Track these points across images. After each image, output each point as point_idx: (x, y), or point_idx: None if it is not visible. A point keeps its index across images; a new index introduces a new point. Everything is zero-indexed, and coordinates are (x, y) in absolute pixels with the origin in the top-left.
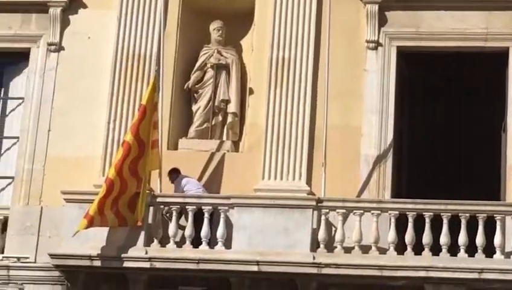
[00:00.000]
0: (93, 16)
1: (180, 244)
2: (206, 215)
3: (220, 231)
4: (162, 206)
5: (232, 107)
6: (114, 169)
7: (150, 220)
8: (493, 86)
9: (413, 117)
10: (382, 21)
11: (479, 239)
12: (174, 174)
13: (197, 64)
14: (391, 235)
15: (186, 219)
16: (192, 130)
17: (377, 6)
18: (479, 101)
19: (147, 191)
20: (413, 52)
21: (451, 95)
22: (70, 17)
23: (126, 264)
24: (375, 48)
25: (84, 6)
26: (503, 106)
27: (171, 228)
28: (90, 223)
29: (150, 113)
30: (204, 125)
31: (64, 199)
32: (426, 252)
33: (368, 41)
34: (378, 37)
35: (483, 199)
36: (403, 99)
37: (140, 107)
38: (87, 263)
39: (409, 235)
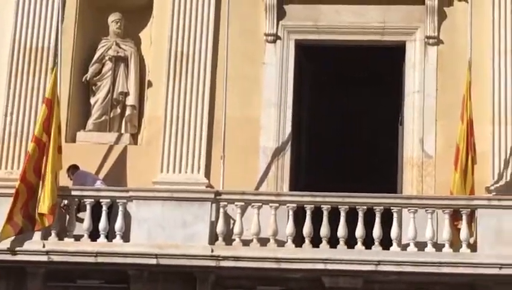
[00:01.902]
0: None
1: (78, 237)
2: (104, 208)
3: (118, 224)
4: (60, 200)
5: (130, 100)
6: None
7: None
8: (391, 80)
9: (312, 110)
10: (281, 14)
11: (376, 231)
12: (73, 169)
13: (96, 56)
14: (289, 227)
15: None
16: (90, 123)
17: (275, 0)
18: (378, 94)
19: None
20: (311, 45)
21: (351, 88)
22: None
23: (23, 257)
24: (274, 41)
25: None
26: (400, 99)
27: (69, 221)
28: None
29: (56, 108)
30: (103, 118)
31: None
32: (324, 244)
33: (266, 35)
34: (277, 31)
35: (384, 191)
36: (302, 92)
37: (46, 101)
38: None
39: (307, 228)
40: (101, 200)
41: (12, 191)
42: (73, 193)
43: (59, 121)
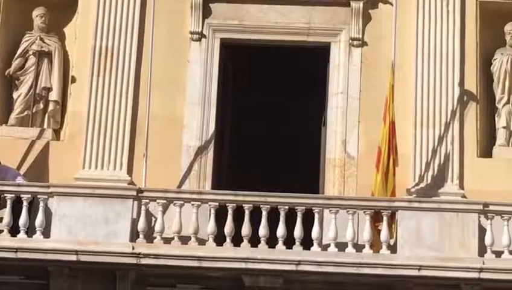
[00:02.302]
0: None
1: None
2: (25, 203)
3: (39, 219)
4: None
5: (53, 95)
6: None
7: None
8: (315, 81)
9: (236, 109)
10: (206, 13)
11: (297, 231)
12: None
13: (19, 51)
14: (210, 226)
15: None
16: (12, 118)
17: None
18: (302, 94)
19: None
20: (237, 44)
21: (275, 88)
22: None
23: None
24: (199, 40)
25: None
26: (324, 100)
27: None
28: None
29: None
30: (25, 112)
31: None
32: (245, 243)
33: (191, 33)
34: (202, 29)
35: (307, 191)
36: (226, 90)
37: None
38: None
39: (228, 227)
40: (21, 195)
41: None
42: None
43: None
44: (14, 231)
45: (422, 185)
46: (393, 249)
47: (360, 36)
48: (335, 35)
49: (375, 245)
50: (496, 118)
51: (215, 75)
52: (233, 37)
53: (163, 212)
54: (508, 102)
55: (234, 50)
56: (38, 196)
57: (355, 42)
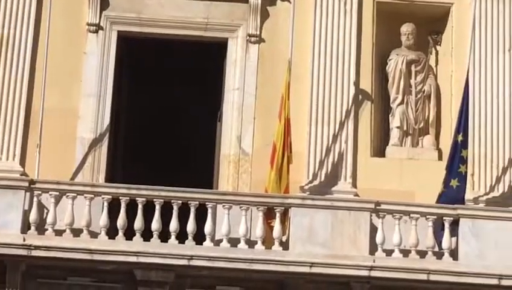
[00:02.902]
0: None
1: None
2: None
3: None
4: None
5: None
6: None
7: None
8: (212, 76)
9: (132, 102)
10: (104, 5)
11: (190, 226)
12: None
13: None
14: (103, 219)
15: None
16: None
17: None
18: (199, 89)
19: None
20: (134, 37)
21: (173, 81)
22: None
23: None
24: (96, 32)
25: None
26: (221, 95)
27: None
28: None
29: None
30: None
31: None
32: (137, 237)
33: (88, 24)
34: (100, 21)
35: (200, 186)
36: (122, 83)
37: None
38: None
39: (121, 220)
40: None
41: None
42: None
43: None
44: None
45: (315, 182)
46: (285, 245)
47: (258, 33)
48: (232, 31)
49: (267, 241)
50: (390, 118)
51: (111, 67)
52: (130, 30)
53: (56, 204)
54: (402, 102)
55: (131, 43)
56: None
57: (252, 39)
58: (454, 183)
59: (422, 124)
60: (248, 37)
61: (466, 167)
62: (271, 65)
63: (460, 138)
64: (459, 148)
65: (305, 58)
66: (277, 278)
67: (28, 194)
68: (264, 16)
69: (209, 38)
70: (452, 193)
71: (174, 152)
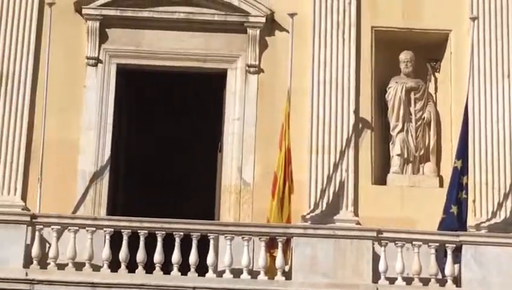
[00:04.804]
0: None
1: None
2: None
3: None
4: None
5: None
6: None
7: None
8: (212, 107)
9: (132, 134)
10: (103, 38)
11: (192, 258)
12: None
13: None
14: (105, 252)
15: None
16: None
17: (98, 23)
18: (200, 120)
19: None
20: (133, 70)
21: (173, 113)
22: None
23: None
24: (95, 65)
25: None
26: (221, 126)
27: None
28: None
29: None
30: None
31: None
32: (140, 269)
33: (88, 58)
34: (99, 54)
35: (202, 217)
36: (122, 116)
37: None
38: None
39: (123, 253)
40: None
41: None
42: None
43: None
44: None
45: (317, 211)
46: (288, 275)
47: (257, 63)
48: (231, 62)
49: (270, 272)
50: (391, 146)
51: (111, 100)
52: (129, 62)
53: (58, 238)
54: (402, 130)
55: (131, 75)
56: None
57: (251, 69)
58: (454, 209)
59: (422, 152)
60: (247, 68)
61: (466, 193)
62: (271, 95)
63: (459, 164)
64: (458, 174)
65: (304, 88)
66: None
67: (29, 228)
68: (263, 46)
69: (208, 70)
70: (452, 219)
71: (177, 183)
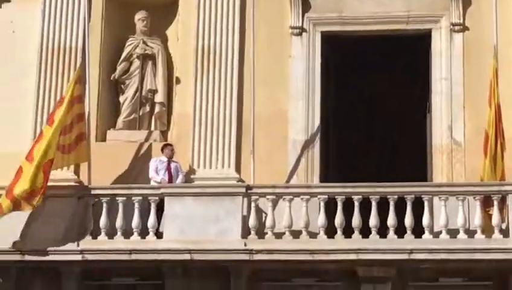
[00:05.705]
0: (17, 9)
1: (111, 235)
2: (137, 205)
3: (151, 220)
4: (93, 198)
5: (159, 97)
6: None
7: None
8: (417, 68)
9: (339, 101)
10: (306, 7)
11: (408, 220)
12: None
13: (123, 55)
14: (321, 219)
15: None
16: (120, 121)
17: None
18: (404, 83)
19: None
20: (337, 36)
21: (377, 78)
22: None
23: (58, 257)
24: (300, 34)
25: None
26: (428, 87)
27: (102, 219)
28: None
29: (70, 105)
30: (132, 116)
31: None
32: (356, 235)
33: (292, 28)
34: (303, 23)
35: (411, 180)
36: (329, 84)
37: (61, 99)
38: (17, 257)
39: (339, 219)
40: (133, 198)
41: None
42: (106, 191)
43: (79, 115)
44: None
45: None
46: (505, 233)
47: (461, 21)
48: (435, 22)
49: (486, 230)
50: None
51: (317, 68)
52: (333, 29)
53: (273, 207)
54: None
55: (335, 42)
56: (149, 198)
57: (456, 27)
58: None
59: None
60: (452, 26)
61: None
62: (477, 52)
63: None
64: None
65: (510, 43)
66: (499, 267)
67: (245, 199)
68: (467, 3)
69: (411, 31)
70: None
71: (386, 146)
